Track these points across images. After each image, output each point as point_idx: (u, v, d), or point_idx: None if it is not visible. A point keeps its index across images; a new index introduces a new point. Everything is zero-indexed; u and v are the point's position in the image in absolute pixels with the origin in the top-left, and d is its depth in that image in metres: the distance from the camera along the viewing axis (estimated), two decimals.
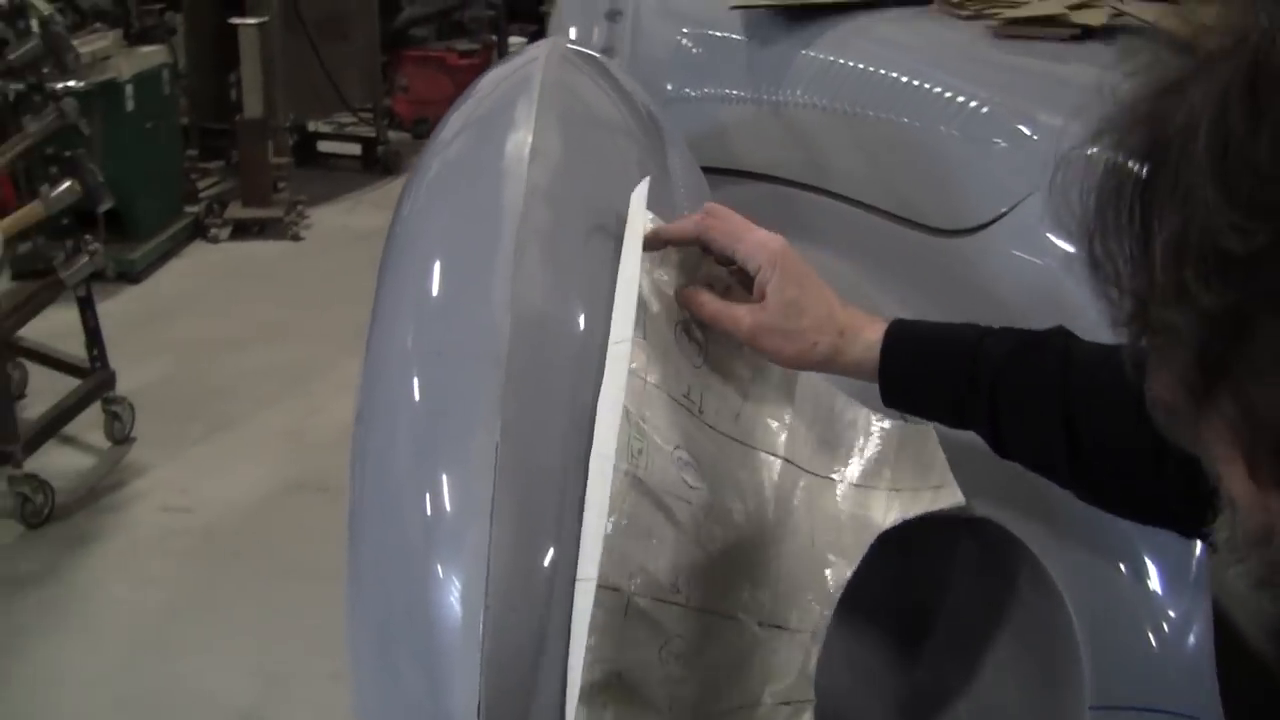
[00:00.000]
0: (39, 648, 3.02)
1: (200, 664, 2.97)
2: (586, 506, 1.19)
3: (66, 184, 3.76)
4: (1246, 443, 0.61)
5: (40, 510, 3.51)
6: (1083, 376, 1.10)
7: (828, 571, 1.39)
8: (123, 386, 4.03)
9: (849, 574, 1.38)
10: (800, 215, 2.01)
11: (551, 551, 1.18)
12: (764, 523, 1.35)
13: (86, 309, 3.86)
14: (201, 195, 6.19)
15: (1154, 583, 1.32)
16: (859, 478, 1.44)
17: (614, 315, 1.28)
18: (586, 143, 1.53)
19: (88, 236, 3.92)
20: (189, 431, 4.11)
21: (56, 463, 3.80)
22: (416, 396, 1.31)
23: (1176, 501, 0.98)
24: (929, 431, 1.42)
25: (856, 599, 1.50)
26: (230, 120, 6.32)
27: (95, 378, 3.89)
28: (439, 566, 1.21)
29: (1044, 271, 1.49)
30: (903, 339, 1.22)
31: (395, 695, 1.26)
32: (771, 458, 1.40)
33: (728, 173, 2.13)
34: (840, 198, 1.94)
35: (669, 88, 2.31)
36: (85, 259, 3.82)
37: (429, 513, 1.23)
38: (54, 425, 3.72)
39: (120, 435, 3.99)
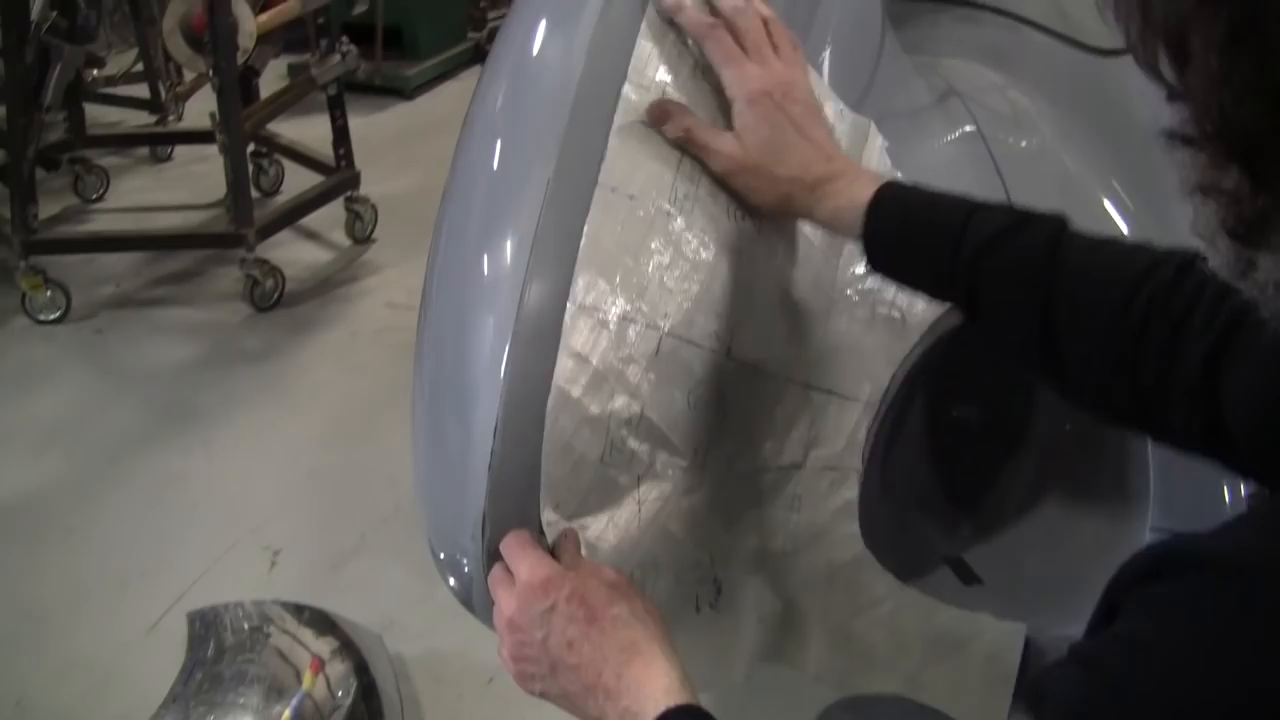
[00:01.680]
0: (247, 418, 3.16)
1: (390, 449, 3.02)
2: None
3: None
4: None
5: (269, 294, 3.65)
6: (1070, 264, 1.05)
7: (889, 343, 1.33)
8: (375, 192, 4.14)
9: (907, 350, 1.32)
10: (978, 36, 1.92)
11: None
12: (825, 286, 1.29)
13: (335, 108, 3.95)
14: (490, 22, 6.25)
15: None
16: None
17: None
18: None
19: (344, 38, 4.00)
20: (428, 239, 4.15)
21: (295, 255, 3.97)
22: (495, 154, 1.28)
23: (1147, 403, 0.97)
24: None
25: (938, 419, 1.44)
26: None
27: (339, 175, 3.99)
28: (479, 306, 1.20)
29: None
30: (892, 203, 1.14)
31: (438, 440, 1.26)
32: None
33: None
34: (1012, 16, 1.85)
35: None
36: (337, 59, 3.90)
37: (484, 263, 1.22)
38: (290, 215, 3.85)
39: (361, 235, 4.10)
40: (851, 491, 1.31)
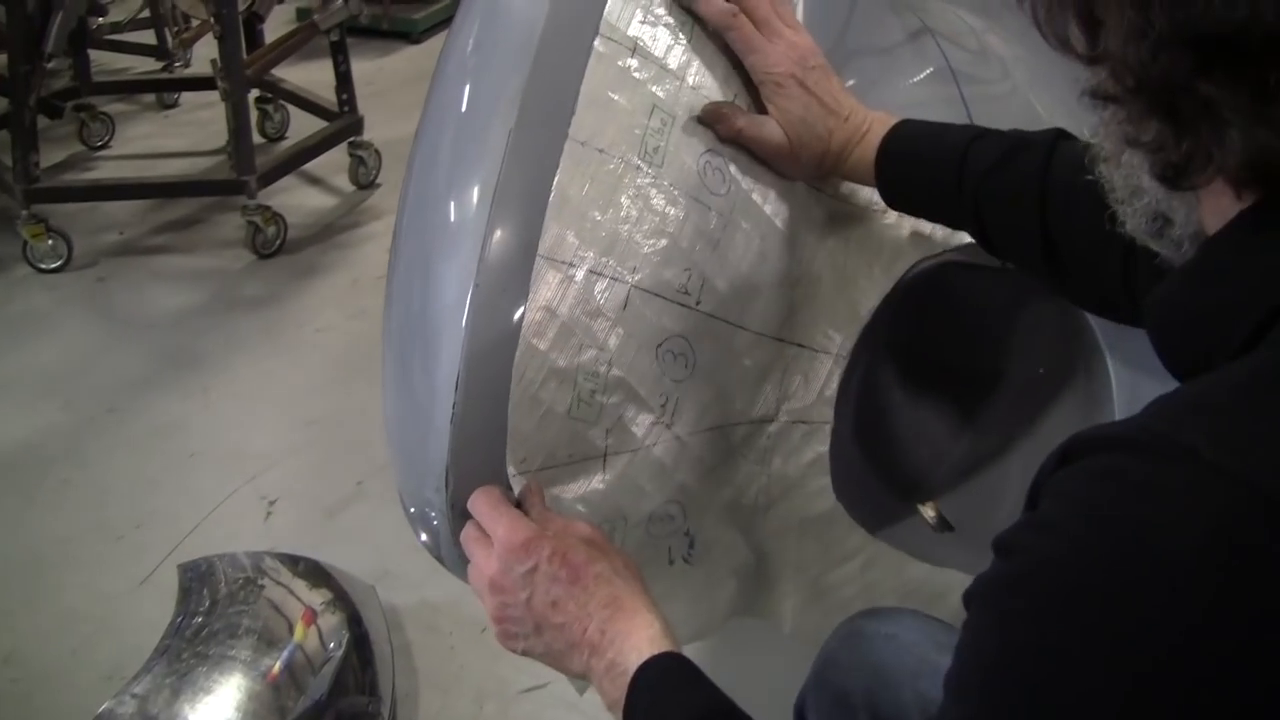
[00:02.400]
0: (246, 365, 3.13)
1: None
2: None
3: None
4: None
5: (271, 241, 3.62)
6: (1061, 178, 1.10)
7: (858, 299, 1.33)
8: (379, 137, 4.09)
9: (877, 302, 1.34)
10: None
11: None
12: (795, 242, 1.27)
13: (338, 54, 3.89)
14: None
15: None
16: None
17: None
18: None
19: None
20: None
21: (299, 200, 3.93)
22: (464, 98, 1.28)
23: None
24: None
25: (926, 362, 1.43)
26: None
27: (341, 121, 3.94)
28: (443, 254, 1.20)
29: None
30: (899, 142, 1.21)
31: (405, 390, 1.25)
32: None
33: None
34: None
35: None
36: (339, 3, 3.84)
37: (449, 210, 1.21)
38: (293, 161, 3.80)
39: (365, 180, 4.06)
40: (823, 445, 1.30)
